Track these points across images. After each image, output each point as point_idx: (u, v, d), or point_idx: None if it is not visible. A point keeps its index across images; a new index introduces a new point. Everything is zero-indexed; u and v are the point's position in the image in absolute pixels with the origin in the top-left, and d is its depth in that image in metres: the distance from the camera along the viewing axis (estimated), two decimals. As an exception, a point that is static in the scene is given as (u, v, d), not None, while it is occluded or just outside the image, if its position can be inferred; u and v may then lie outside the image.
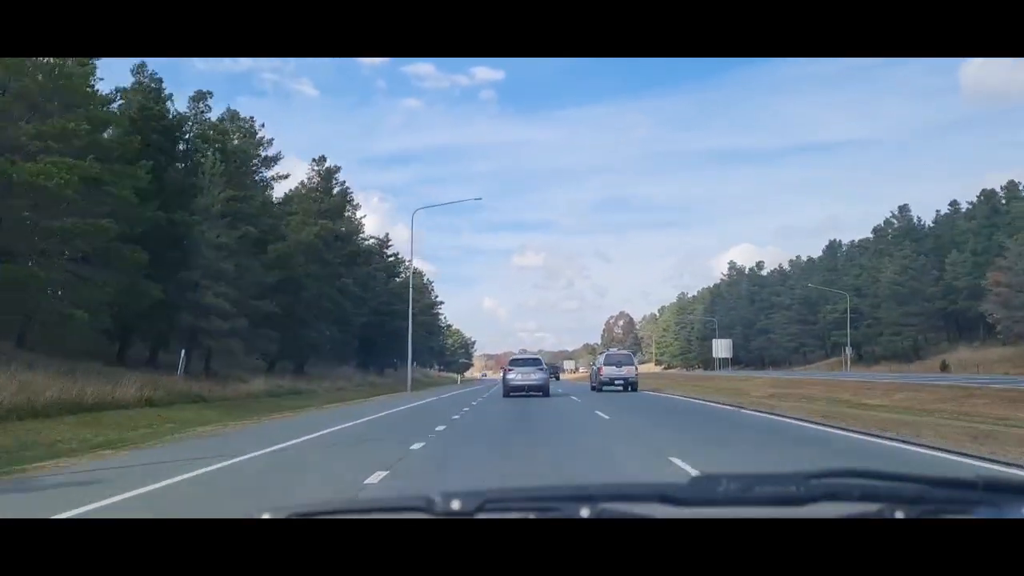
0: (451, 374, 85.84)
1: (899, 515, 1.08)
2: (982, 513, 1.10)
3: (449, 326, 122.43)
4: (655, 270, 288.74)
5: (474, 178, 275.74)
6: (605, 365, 30.86)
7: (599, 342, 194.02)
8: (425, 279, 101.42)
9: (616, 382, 29.81)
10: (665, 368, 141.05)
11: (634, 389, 29.34)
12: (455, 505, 1.08)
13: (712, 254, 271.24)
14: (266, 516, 1.14)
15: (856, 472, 1.14)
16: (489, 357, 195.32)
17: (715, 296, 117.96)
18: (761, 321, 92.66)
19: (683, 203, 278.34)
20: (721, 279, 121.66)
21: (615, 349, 41.12)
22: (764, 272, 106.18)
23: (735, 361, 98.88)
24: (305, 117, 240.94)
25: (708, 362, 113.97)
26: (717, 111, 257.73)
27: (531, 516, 1.09)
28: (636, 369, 31.07)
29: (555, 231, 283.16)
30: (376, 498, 1.33)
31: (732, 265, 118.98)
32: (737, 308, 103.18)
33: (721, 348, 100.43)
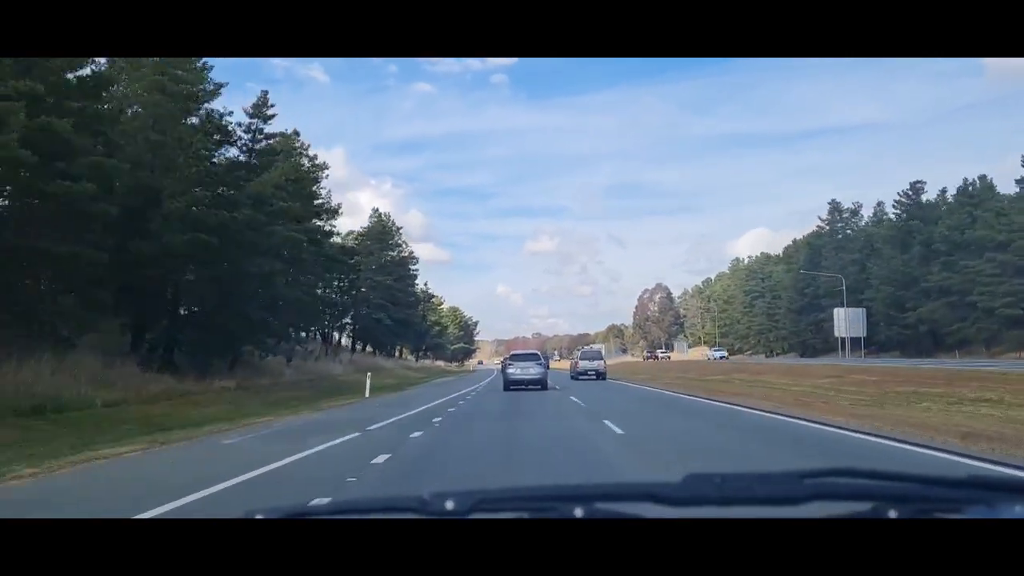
0: (441, 364, 51.66)
1: (892, 515, 1.08)
2: (975, 512, 1.10)
3: (432, 297, 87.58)
4: (668, 255, 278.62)
5: (486, 163, 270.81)
6: (581, 360, 39.88)
7: (630, 323, 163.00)
8: (391, 223, 67.01)
9: (589, 372, 37.16)
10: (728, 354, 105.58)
11: (603, 378, 36.53)
12: (449, 505, 1.10)
13: (726, 239, 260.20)
14: (259, 517, 1.16)
15: (849, 471, 1.14)
16: (500, 343, 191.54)
17: (814, 249, 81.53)
18: (933, 276, 56.49)
19: (696, 188, 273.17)
20: (817, 227, 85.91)
21: (588, 347, 49.79)
22: (923, 199, 65.23)
23: (866, 342, 63.78)
24: (317, 104, 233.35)
25: (807, 345, 78.90)
26: (729, 95, 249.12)
27: (524, 516, 1.11)
28: (604, 363, 39.64)
29: (567, 217, 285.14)
30: (370, 498, 1.35)
31: (835, 205, 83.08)
32: (873, 261, 66.72)
33: (847, 322, 65.15)
